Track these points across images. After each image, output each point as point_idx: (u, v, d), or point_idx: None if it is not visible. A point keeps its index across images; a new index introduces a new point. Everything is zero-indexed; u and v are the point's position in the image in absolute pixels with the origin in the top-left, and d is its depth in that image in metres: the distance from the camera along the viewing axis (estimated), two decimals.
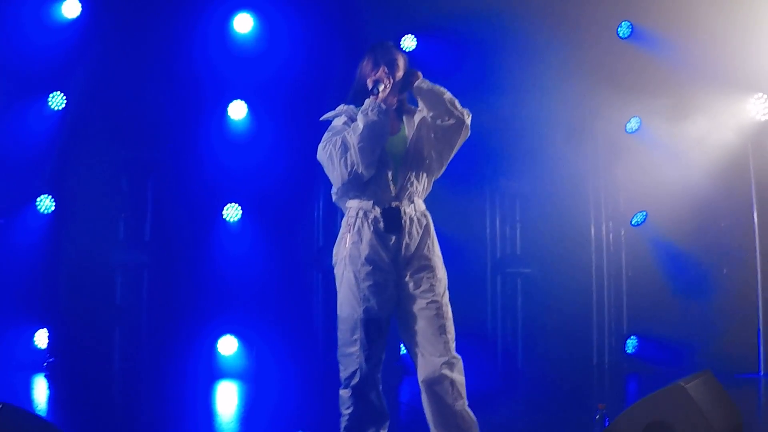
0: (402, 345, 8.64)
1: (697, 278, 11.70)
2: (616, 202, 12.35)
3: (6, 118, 10.74)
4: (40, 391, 9.76)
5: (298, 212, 11.52)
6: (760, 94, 11.48)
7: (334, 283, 5.57)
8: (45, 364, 10.45)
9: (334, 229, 10.95)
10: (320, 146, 5.54)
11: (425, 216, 5.71)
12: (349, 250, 5.53)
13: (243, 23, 11.40)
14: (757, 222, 11.57)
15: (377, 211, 5.53)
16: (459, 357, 5.57)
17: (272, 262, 11.15)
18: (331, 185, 5.60)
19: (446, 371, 5.47)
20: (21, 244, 10.71)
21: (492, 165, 11.90)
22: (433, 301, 5.53)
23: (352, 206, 5.61)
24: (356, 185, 5.53)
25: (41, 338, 10.75)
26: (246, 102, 11.41)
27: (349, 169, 5.40)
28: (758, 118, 11.52)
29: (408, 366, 11.10)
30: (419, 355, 5.52)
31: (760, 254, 11.51)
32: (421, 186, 5.70)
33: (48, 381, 10.17)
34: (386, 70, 5.57)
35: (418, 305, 5.53)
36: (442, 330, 5.50)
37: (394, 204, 5.55)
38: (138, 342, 11.07)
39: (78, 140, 10.94)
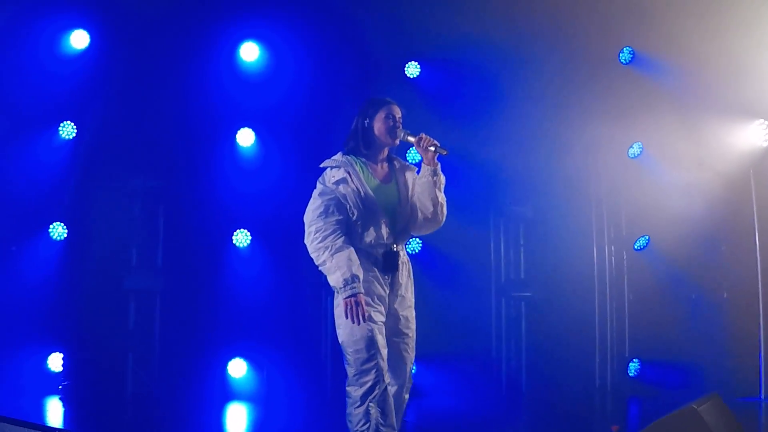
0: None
1: (699, 302, 12.17)
2: (619, 227, 12.78)
3: (17, 147, 11.17)
4: (55, 414, 10.31)
5: None
6: (761, 120, 11.92)
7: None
8: (59, 387, 10.99)
9: None
10: (310, 208, 6.43)
11: (408, 260, 6.70)
12: None
13: (249, 52, 11.95)
14: (758, 246, 11.89)
15: (378, 252, 6.46)
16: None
17: (281, 286, 11.62)
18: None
19: (405, 395, 6.61)
20: (34, 270, 11.16)
21: (496, 190, 12.33)
22: (411, 338, 6.62)
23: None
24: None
25: (55, 362, 11.25)
26: (254, 129, 11.92)
27: (314, 257, 6.36)
28: (759, 144, 11.95)
29: (415, 387, 11.88)
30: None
31: (762, 279, 11.83)
32: (407, 233, 6.73)
33: (62, 404, 10.71)
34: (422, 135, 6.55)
35: (398, 339, 6.55)
36: (408, 362, 6.62)
37: (393, 248, 6.51)
38: (150, 365, 11.55)
39: (89, 168, 11.39)
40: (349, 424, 6.33)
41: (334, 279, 6.25)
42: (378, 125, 6.59)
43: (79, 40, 11.52)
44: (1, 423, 5.41)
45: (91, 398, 11.06)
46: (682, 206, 12.08)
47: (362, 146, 6.62)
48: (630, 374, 12.65)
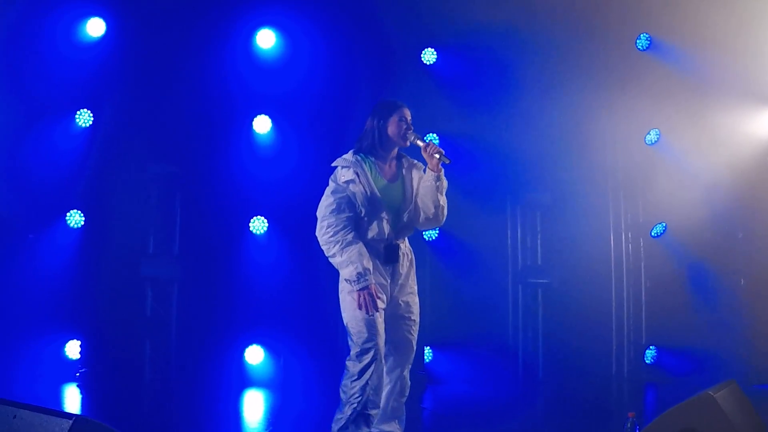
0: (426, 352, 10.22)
1: (715, 289, 12.12)
2: (636, 214, 12.73)
3: (34, 135, 11.23)
4: (72, 401, 10.43)
5: None
6: None
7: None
8: (77, 374, 11.15)
9: None
10: (323, 205, 7.13)
11: (411, 251, 7.39)
12: None
13: (265, 39, 11.97)
14: None
15: (380, 246, 7.12)
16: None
17: (298, 273, 11.61)
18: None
19: (407, 374, 7.33)
20: (52, 258, 11.25)
21: (512, 177, 12.38)
22: (413, 321, 7.32)
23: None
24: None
25: (73, 349, 11.35)
26: (270, 116, 11.93)
27: (324, 249, 7.06)
28: None
29: (432, 374, 11.98)
30: (391, 358, 7.25)
31: None
32: (410, 229, 7.36)
33: (80, 391, 10.81)
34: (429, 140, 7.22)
35: (400, 322, 7.26)
36: (412, 343, 7.32)
37: (394, 242, 7.18)
38: (168, 352, 11.68)
39: (106, 156, 11.47)
40: (343, 395, 7.09)
41: (347, 272, 6.93)
42: (391, 127, 7.21)
43: (95, 27, 11.59)
44: (19, 410, 5.46)
45: (109, 385, 11.15)
46: (699, 193, 12.14)
47: (375, 146, 7.24)
48: (647, 361, 12.64)
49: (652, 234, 12.71)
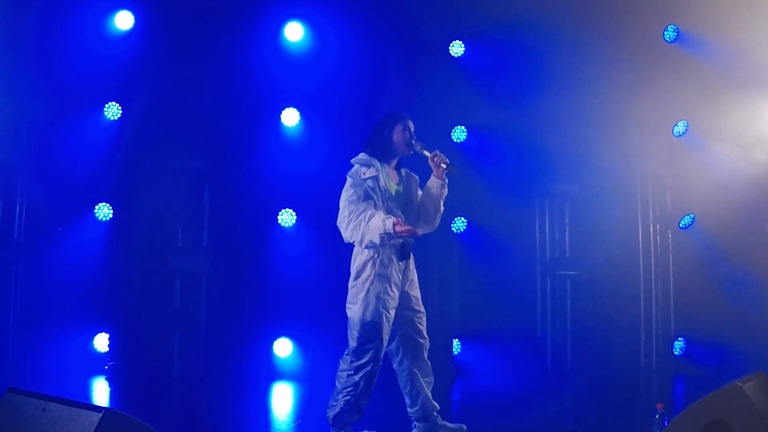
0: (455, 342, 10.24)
1: (744, 280, 12.01)
2: (664, 205, 12.68)
3: (63, 128, 11.31)
4: (101, 394, 10.41)
5: None
6: None
7: None
8: (106, 367, 11.16)
9: None
10: (345, 197, 7.47)
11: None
12: (378, 270, 7.45)
13: (293, 32, 11.95)
14: None
15: (397, 242, 7.43)
16: None
17: (326, 266, 11.45)
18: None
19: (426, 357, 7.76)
20: (80, 251, 11.30)
21: (540, 169, 12.33)
22: (422, 313, 7.78)
23: None
24: None
25: (101, 342, 11.37)
26: (298, 109, 11.91)
27: (349, 236, 7.35)
28: None
29: (460, 367, 11.92)
30: (411, 350, 7.68)
31: None
32: None
33: (109, 384, 10.83)
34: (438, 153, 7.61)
35: (413, 315, 7.71)
36: (423, 332, 7.75)
37: (407, 239, 7.51)
38: (196, 345, 11.67)
39: (135, 149, 11.49)
40: (337, 383, 7.57)
41: (379, 231, 7.10)
42: (396, 136, 7.65)
43: (123, 21, 11.62)
44: (49, 403, 5.43)
45: (138, 378, 11.17)
46: (727, 184, 12.10)
47: (383, 152, 7.65)
48: (675, 353, 12.59)
49: (680, 225, 12.67)
